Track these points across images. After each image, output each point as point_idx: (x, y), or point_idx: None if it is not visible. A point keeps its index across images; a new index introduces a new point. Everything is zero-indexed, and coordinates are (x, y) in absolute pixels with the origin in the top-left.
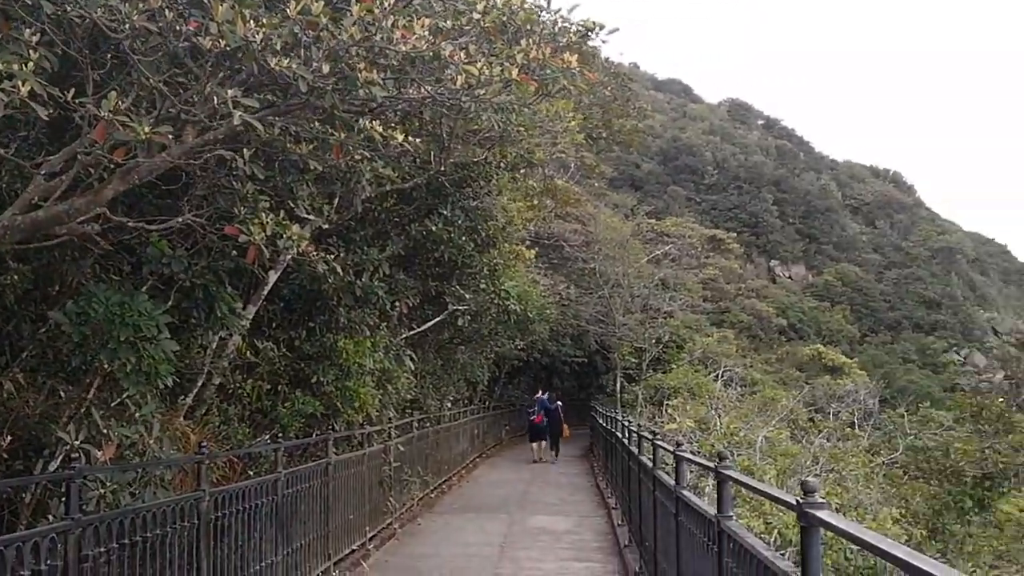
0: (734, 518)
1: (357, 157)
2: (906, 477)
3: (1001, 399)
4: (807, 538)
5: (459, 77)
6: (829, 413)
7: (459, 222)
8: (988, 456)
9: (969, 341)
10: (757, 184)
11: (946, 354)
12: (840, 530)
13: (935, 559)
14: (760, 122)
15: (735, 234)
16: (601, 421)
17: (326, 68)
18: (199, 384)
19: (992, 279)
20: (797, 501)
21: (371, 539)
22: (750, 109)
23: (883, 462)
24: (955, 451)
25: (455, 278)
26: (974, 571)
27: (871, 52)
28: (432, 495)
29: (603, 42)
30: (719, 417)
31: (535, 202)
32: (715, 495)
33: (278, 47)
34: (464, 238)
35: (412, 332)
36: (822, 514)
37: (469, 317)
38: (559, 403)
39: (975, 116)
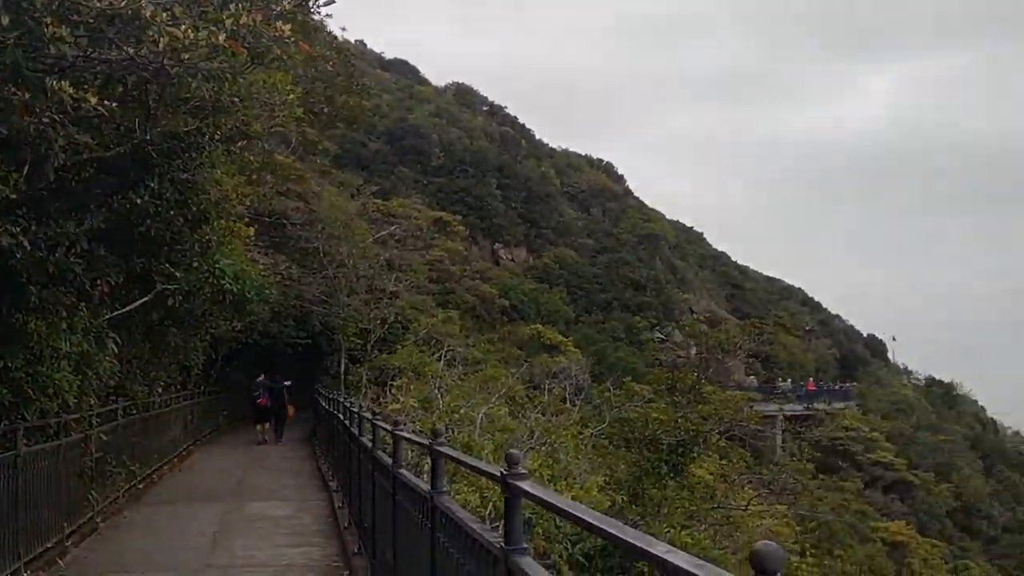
0: (447, 494)
1: (46, 120)
2: (611, 447)
3: (693, 372)
4: (510, 507)
5: (162, 39)
6: (545, 389)
7: (168, 195)
8: (681, 425)
9: (669, 320)
10: (482, 168)
11: (649, 332)
12: (538, 499)
13: (628, 521)
14: (484, 108)
15: (461, 217)
16: (324, 403)
17: (6, 20)
18: None
19: (690, 264)
20: (501, 473)
21: (70, 535)
22: (475, 94)
23: (592, 434)
24: (653, 421)
25: (164, 255)
26: (668, 530)
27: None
28: (141, 486)
29: (326, 16)
30: (441, 396)
31: (254, 177)
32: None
33: None
34: (173, 212)
35: (116, 313)
36: (524, 485)
37: (181, 297)
38: (287, 383)
39: (675, 116)
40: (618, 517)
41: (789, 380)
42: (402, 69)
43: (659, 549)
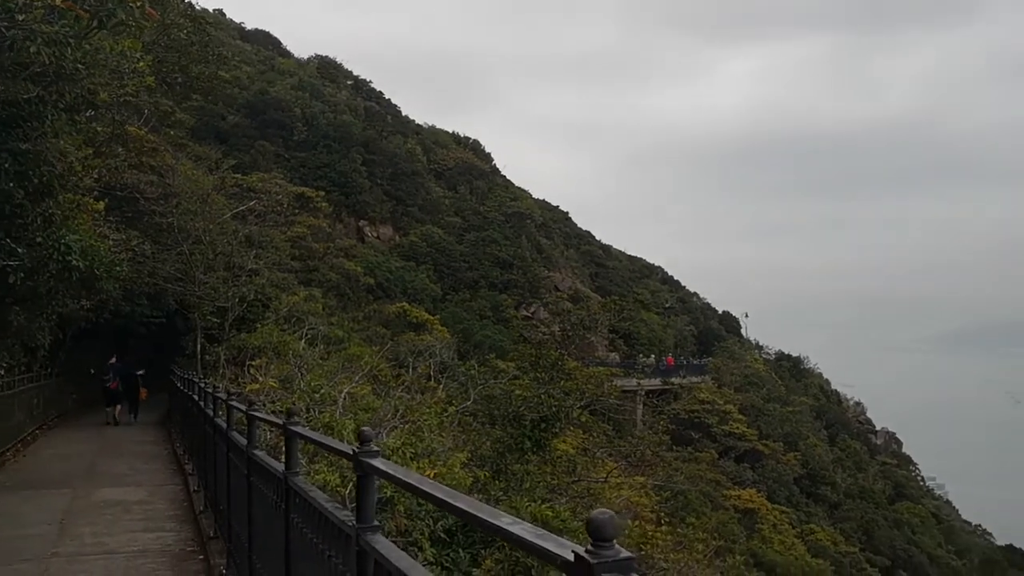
0: (302, 475)
1: None
2: (476, 424)
3: (556, 349)
4: (362, 485)
5: None
6: (410, 367)
7: (6, 166)
8: (544, 401)
9: (535, 298)
10: (347, 144)
11: (515, 310)
12: (390, 476)
13: (491, 497)
14: (349, 82)
15: (324, 193)
16: (179, 385)
17: None
18: None
19: (556, 242)
20: (353, 451)
21: None
22: (339, 68)
23: (456, 411)
24: (516, 398)
25: (3, 229)
26: (529, 504)
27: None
28: None
29: None
30: (302, 376)
31: (103, 149)
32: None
33: None
34: (13, 184)
35: None
36: (375, 462)
37: (23, 274)
38: (141, 372)
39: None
40: (481, 493)
41: (653, 356)
42: (263, 40)
43: (504, 521)
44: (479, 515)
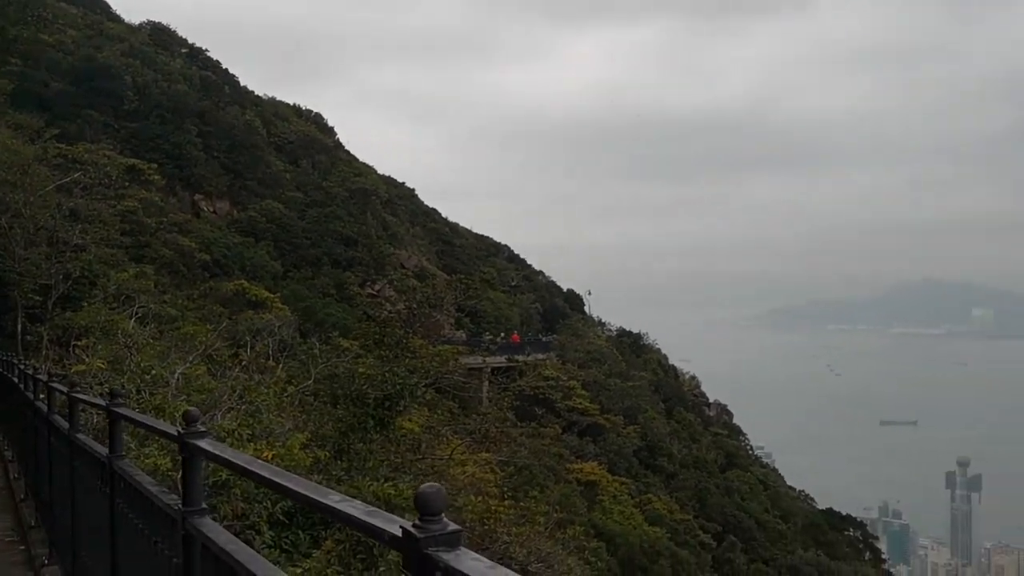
0: (128, 458)
1: None
2: (318, 403)
3: (400, 327)
4: (189, 467)
5: None
6: (249, 347)
7: None
8: (388, 379)
9: (381, 276)
10: (181, 114)
11: (360, 288)
12: (216, 457)
13: (332, 477)
14: (184, 50)
15: (157, 165)
16: None
17: None
18: None
19: (402, 219)
20: (178, 432)
21: None
22: (173, 35)
23: (297, 391)
24: (360, 376)
25: None
26: (372, 483)
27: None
28: None
29: None
30: (132, 356)
31: None
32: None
33: None
34: None
35: None
36: (201, 443)
37: None
38: None
39: (387, 71)
40: (322, 474)
41: (502, 333)
42: (90, 4)
43: (332, 500)
44: (307, 494)
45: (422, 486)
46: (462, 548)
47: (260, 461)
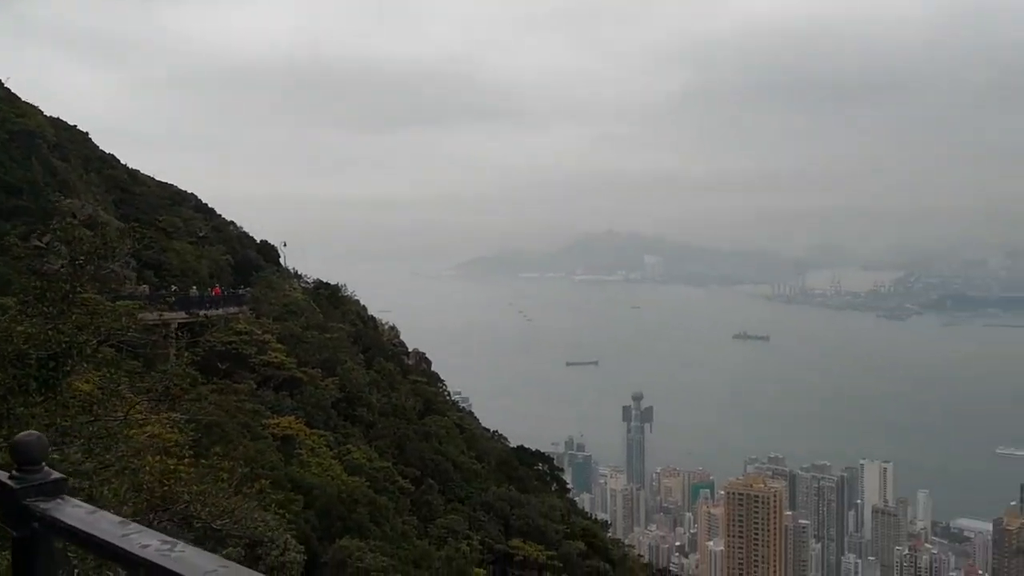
0: None
1: None
2: None
3: (68, 280)
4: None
5: None
6: None
7: None
8: (53, 337)
9: (48, 226)
10: None
11: (24, 240)
12: None
13: None
14: None
15: None
16: None
17: None
18: None
19: (74, 165)
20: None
21: None
22: None
23: None
24: (19, 334)
25: None
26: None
27: None
28: None
29: None
30: None
31: None
32: None
33: None
34: None
35: None
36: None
37: None
38: None
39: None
40: None
41: (194, 287)
42: None
43: None
44: None
45: (20, 434)
46: (65, 497)
47: None
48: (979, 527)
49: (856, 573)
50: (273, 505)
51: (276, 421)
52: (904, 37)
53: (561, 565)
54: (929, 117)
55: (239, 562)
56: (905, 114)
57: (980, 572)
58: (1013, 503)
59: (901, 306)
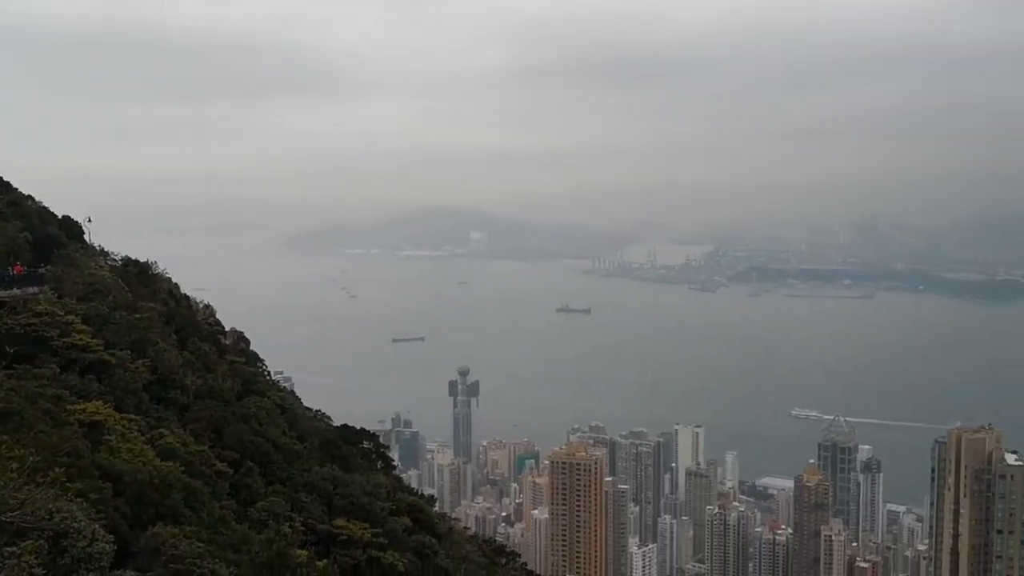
0: None
1: None
2: None
3: None
4: None
5: None
6: None
7: None
8: None
9: None
10: None
11: None
12: None
13: None
14: None
15: None
16: None
17: None
18: None
19: None
20: None
21: None
22: None
23: None
24: None
25: None
26: None
27: None
28: None
29: None
30: None
31: None
32: None
33: None
34: None
35: None
36: None
37: None
38: None
39: None
40: None
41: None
42: None
43: None
44: None
45: None
46: None
47: None
48: (781, 484)
49: (671, 533)
50: (75, 494)
51: (82, 407)
52: (708, 19)
53: (386, 542)
54: (733, 94)
55: (40, 556)
56: (712, 92)
57: (783, 526)
58: (812, 461)
59: (711, 278)
